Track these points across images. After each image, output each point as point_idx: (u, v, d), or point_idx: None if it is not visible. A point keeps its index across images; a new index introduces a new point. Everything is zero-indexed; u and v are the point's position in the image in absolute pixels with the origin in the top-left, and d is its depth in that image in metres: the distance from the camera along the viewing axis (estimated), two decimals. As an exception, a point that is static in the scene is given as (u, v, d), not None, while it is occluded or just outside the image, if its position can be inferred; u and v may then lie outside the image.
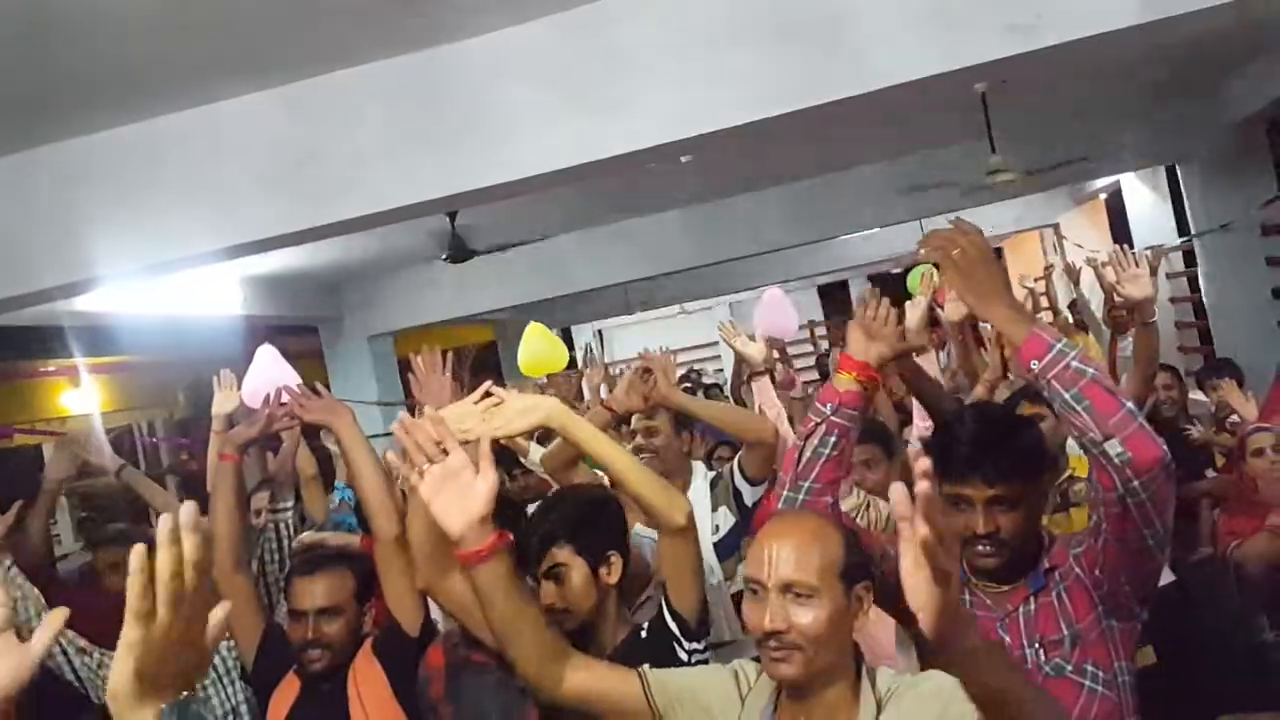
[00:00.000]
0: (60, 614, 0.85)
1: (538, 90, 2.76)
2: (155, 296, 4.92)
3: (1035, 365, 1.38)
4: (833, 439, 1.56)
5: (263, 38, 2.55)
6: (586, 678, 1.39)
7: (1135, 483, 1.34)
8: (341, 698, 1.89)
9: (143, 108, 2.86)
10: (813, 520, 1.37)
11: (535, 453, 3.23)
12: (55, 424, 6.91)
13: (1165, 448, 1.35)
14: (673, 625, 1.68)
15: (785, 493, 1.57)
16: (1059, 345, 1.37)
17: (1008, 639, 1.51)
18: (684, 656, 1.68)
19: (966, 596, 1.56)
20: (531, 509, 2.17)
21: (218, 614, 0.81)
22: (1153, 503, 1.36)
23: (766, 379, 3.13)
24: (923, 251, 1.50)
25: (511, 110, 2.77)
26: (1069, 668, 1.48)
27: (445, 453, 1.36)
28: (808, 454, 1.56)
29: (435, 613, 2.08)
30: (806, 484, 1.55)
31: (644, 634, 1.72)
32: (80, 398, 7.05)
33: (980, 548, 1.53)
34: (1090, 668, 1.47)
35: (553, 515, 1.81)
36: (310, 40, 2.64)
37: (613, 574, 1.75)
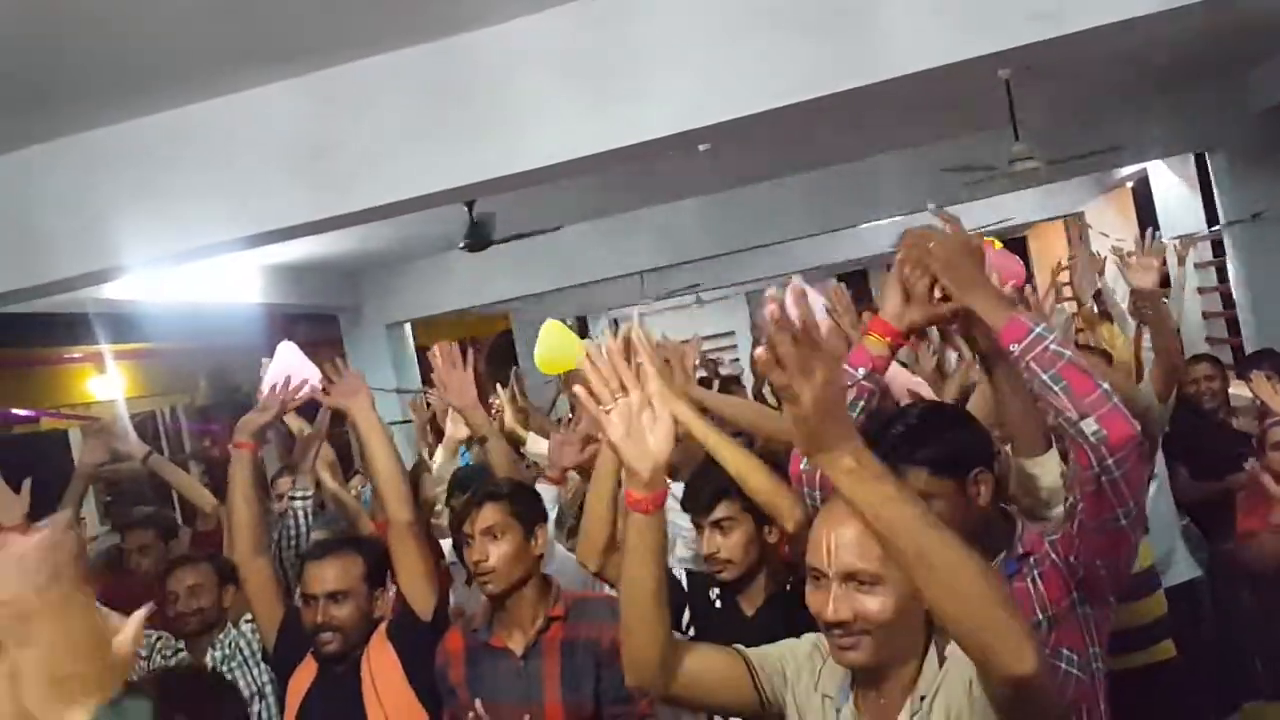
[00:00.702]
0: (144, 611, 0.81)
1: (556, 79, 2.75)
2: (177, 285, 4.97)
3: (1015, 348, 1.42)
4: (862, 402, 1.56)
5: (283, 27, 2.56)
6: (695, 672, 1.35)
7: (1110, 460, 1.38)
8: (355, 681, 1.92)
9: (164, 98, 2.88)
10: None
11: (534, 443, 3.20)
12: (81, 409, 7.00)
13: (1138, 427, 1.39)
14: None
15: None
16: (1038, 329, 1.41)
17: None
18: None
19: None
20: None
21: (137, 616, 0.78)
22: (1126, 480, 1.41)
23: None
24: (901, 250, 1.54)
25: (530, 99, 2.77)
26: (1045, 652, 1.49)
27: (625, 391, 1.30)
28: None
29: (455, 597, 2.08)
30: None
31: (789, 588, 1.79)
32: (105, 384, 7.14)
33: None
34: (1066, 651, 1.49)
35: (722, 470, 1.84)
36: (330, 30, 2.64)
37: (773, 534, 1.83)
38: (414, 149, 2.85)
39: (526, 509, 1.92)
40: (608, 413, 1.27)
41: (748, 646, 1.39)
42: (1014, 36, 2.47)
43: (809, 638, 1.40)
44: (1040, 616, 1.50)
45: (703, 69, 2.67)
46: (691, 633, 1.91)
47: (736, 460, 1.78)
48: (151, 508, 4.24)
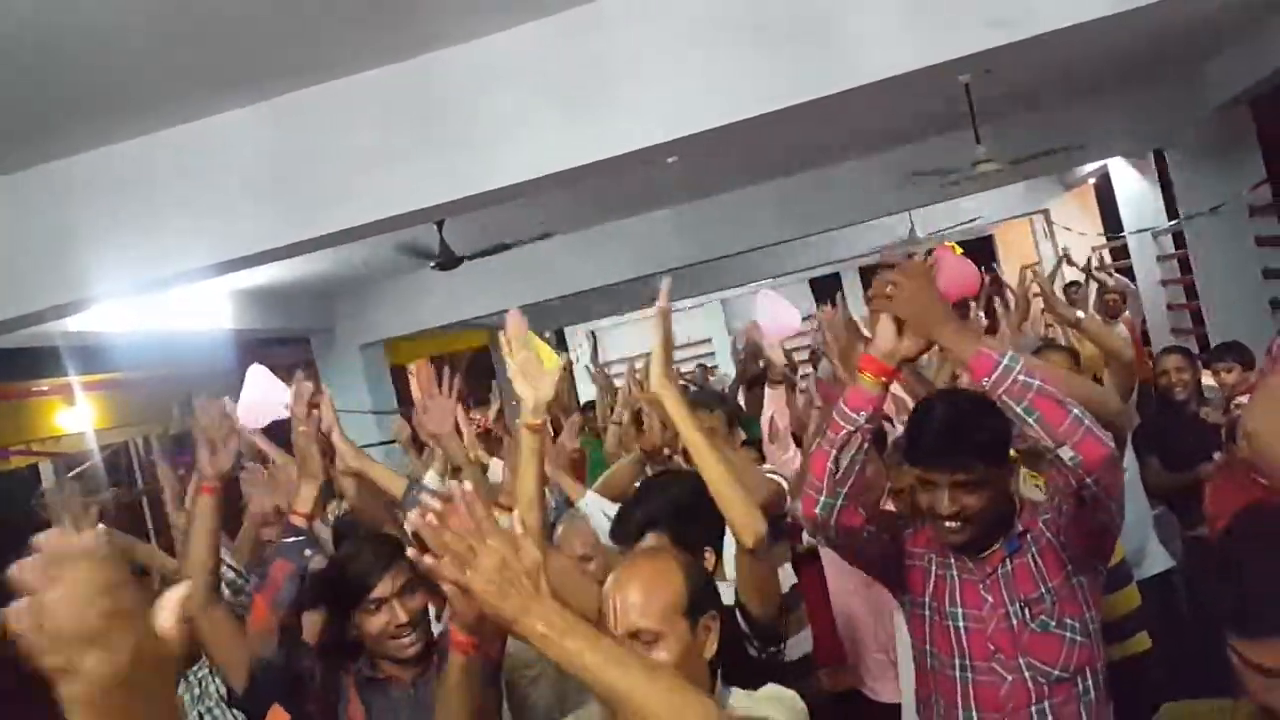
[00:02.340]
0: (182, 590, 0.73)
1: (525, 96, 2.76)
2: (146, 313, 4.91)
3: (986, 382, 1.47)
4: (865, 445, 1.60)
5: (250, 51, 2.55)
6: None
7: (1088, 479, 1.45)
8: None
9: (132, 125, 2.86)
10: (654, 560, 1.39)
11: (495, 471, 3.12)
12: (50, 443, 6.88)
13: (1111, 443, 1.45)
14: (744, 625, 1.68)
15: (823, 499, 1.61)
16: (1005, 361, 1.46)
17: (990, 599, 1.64)
18: (754, 653, 1.68)
19: (951, 560, 1.69)
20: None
21: (171, 597, 0.70)
22: (1105, 491, 1.49)
23: (783, 388, 3.08)
24: (870, 302, 1.58)
25: (499, 117, 2.78)
26: (1053, 623, 1.62)
27: None
28: (844, 463, 1.59)
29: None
30: (844, 490, 1.60)
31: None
32: (74, 416, 7.03)
33: (947, 525, 1.62)
34: (1069, 620, 1.62)
35: (656, 499, 1.81)
36: (298, 52, 2.64)
37: (709, 559, 1.76)
38: (384, 170, 2.84)
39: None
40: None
41: None
42: (973, 43, 2.52)
43: (788, 696, 1.43)
44: (1043, 589, 1.63)
45: (671, 82, 2.69)
46: None
47: (712, 463, 1.64)
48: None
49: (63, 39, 2.22)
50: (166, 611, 0.70)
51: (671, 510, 1.77)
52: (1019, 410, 1.44)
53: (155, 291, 3.56)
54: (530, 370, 1.63)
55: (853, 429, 1.58)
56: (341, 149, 2.86)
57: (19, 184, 2.98)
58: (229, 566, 2.47)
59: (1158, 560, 2.95)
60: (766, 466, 2.71)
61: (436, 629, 1.87)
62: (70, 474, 6.33)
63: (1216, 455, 3.61)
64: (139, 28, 2.26)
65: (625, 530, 1.81)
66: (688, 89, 2.68)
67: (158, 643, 0.68)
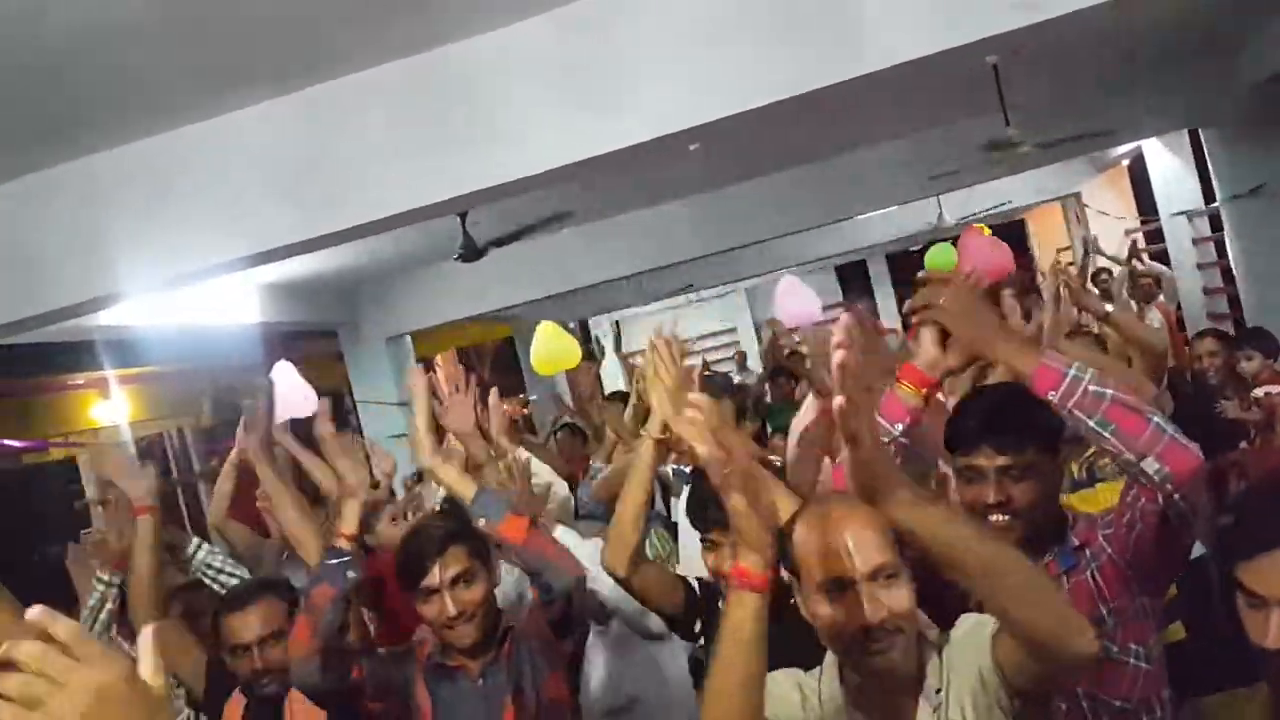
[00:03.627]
0: (149, 636, 0.77)
1: (544, 87, 2.75)
2: (177, 307, 4.98)
3: (1052, 396, 1.35)
4: (898, 460, 1.48)
5: (268, 47, 2.57)
6: None
7: (1176, 495, 1.33)
8: (280, 709, 1.94)
9: (154, 122, 2.89)
10: (856, 503, 1.30)
11: (539, 470, 3.10)
12: (87, 435, 7.02)
13: (1200, 453, 1.34)
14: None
15: None
16: (1072, 372, 1.34)
17: None
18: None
19: None
20: None
21: (146, 643, 0.74)
22: (1192, 509, 1.37)
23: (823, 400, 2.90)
24: (915, 314, 1.48)
25: (516, 108, 2.77)
26: (1115, 649, 1.47)
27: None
28: None
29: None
30: None
31: (696, 588, 1.82)
32: (109, 409, 7.17)
33: (994, 519, 1.48)
34: (1134, 645, 1.48)
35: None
36: (316, 47, 2.65)
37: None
38: (402, 163, 2.85)
39: (483, 544, 1.85)
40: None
41: None
42: (996, 24, 2.46)
43: (788, 679, 1.36)
44: (1103, 611, 1.48)
45: (689, 70, 2.67)
46: (702, 642, 1.90)
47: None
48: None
49: (87, 38, 2.25)
50: (145, 660, 0.73)
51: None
52: (1092, 425, 1.32)
53: (182, 286, 3.61)
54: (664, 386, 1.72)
55: (886, 441, 1.46)
56: (362, 142, 2.87)
57: (48, 180, 3.03)
58: (235, 575, 2.50)
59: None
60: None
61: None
62: (95, 472, 6.45)
63: (1242, 445, 3.54)
64: (161, 25, 2.28)
65: (705, 514, 1.83)
66: (704, 77, 2.66)
67: (145, 691, 0.70)
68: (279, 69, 2.73)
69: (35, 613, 0.68)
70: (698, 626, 1.91)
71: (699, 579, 2.01)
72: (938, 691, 1.24)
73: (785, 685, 1.34)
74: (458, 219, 4.71)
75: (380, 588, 2.27)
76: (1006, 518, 1.48)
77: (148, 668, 0.72)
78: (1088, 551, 1.51)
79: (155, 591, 2.16)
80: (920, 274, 1.53)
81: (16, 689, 0.66)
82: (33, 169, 3.01)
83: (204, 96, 2.79)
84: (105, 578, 2.40)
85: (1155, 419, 1.33)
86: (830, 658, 1.34)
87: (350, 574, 1.73)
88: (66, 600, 2.67)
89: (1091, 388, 1.32)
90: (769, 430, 4.24)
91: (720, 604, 1.89)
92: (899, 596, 1.21)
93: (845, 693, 1.30)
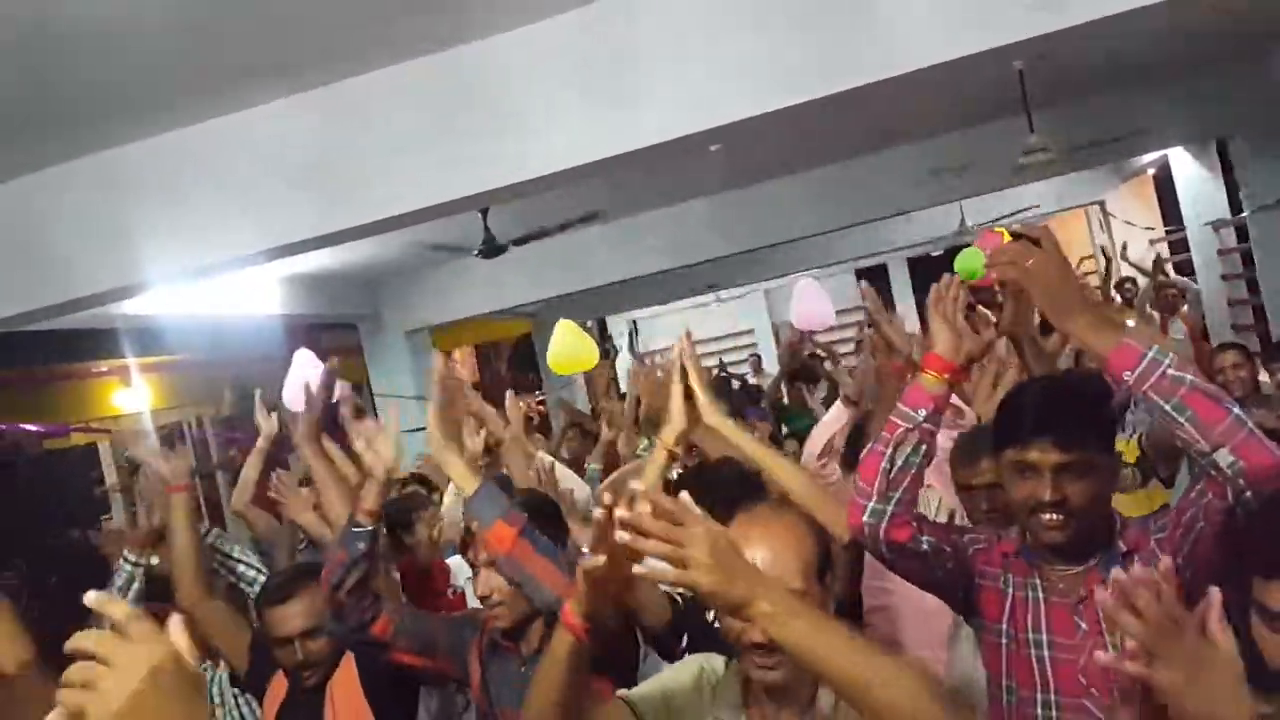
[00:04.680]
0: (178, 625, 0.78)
1: (564, 85, 2.76)
2: (200, 298, 5.04)
3: (1128, 376, 1.30)
4: (924, 446, 1.49)
5: (293, 43, 2.59)
6: None
7: (1248, 493, 1.27)
8: (321, 700, 1.95)
9: (179, 116, 2.93)
10: (783, 517, 1.32)
11: (564, 475, 3.13)
12: (109, 422, 7.10)
13: (1278, 453, 1.27)
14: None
15: (871, 504, 1.49)
16: (1151, 353, 1.29)
17: (1084, 627, 1.41)
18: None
19: (1036, 580, 1.48)
20: None
21: (176, 631, 0.75)
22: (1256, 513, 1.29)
23: (851, 409, 2.73)
24: (994, 271, 1.42)
25: (537, 106, 2.78)
26: None
27: None
28: (899, 463, 1.47)
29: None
30: (896, 495, 1.48)
31: (681, 603, 1.76)
32: (131, 396, 7.24)
33: (1047, 518, 1.41)
34: None
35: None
36: (340, 44, 2.67)
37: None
38: (422, 160, 2.87)
39: (547, 527, 1.82)
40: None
41: None
42: (1018, 30, 2.45)
43: (693, 663, 1.38)
44: None
45: (712, 69, 2.67)
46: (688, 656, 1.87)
47: (788, 474, 1.76)
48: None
49: (112, 32, 2.28)
50: (176, 637, 0.75)
51: None
52: (1168, 409, 1.27)
53: (204, 277, 3.65)
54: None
55: (909, 426, 1.46)
56: (382, 138, 2.89)
57: (74, 172, 3.08)
58: (242, 561, 2.52)
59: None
60: None
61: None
62: (127, 453, 6.53)
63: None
64: (182, 20, 2.31)
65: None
66: (727, 76, 2.66)
67: (190, 671, 0.73)
68: (301, 65, 2.76)
69: (92, 598, 0.72)
70: (684, 642, 1.88)
71: (682, 595, 1.99)
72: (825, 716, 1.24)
73: (693, 665, 1.37)
74: (479, 215, 4.73)
75: (403, 581, 2.28)
76: (1060, 517, 1.41)
77: (178, 640, 0.75)
78: (1137, 558, 1.42)
79: (198, 569, 2.16)
80: (1012, 227, 1.47)
81: (75, 674, 0.70)
82: (55, 161, 3.06)
83: (226, 92, 2.82)
84: (132, 558, 2.43)
85: (1235, 410, 1.27)
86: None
87: (360, 544, 1.77)
88: (88, 582, 2.71)
89: (1171, 371, 1.27)
90: (783, 432, 4.23)
91: (705, 615, 1.85)
92: None
93: (741, 692, 1.31)
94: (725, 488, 1.80)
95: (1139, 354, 1.29)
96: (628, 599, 1.16)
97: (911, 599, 1.96)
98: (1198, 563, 1.37)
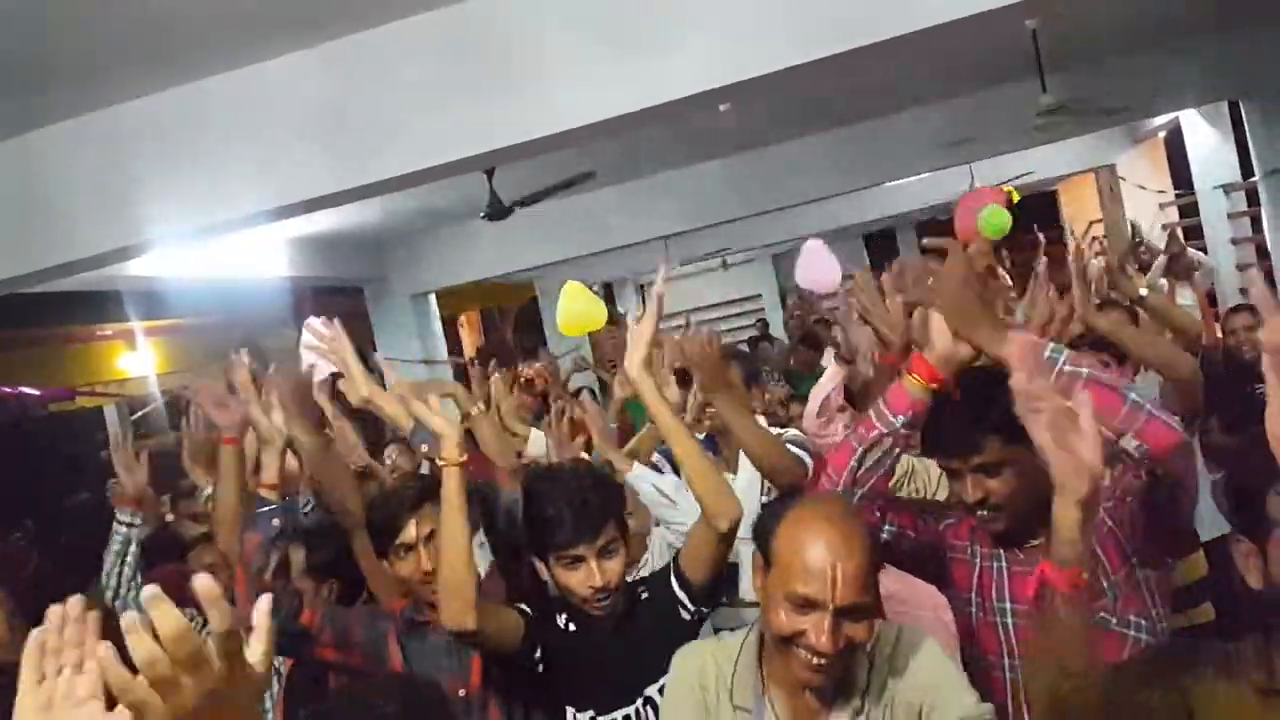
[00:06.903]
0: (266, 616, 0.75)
1: (577, 41, 2.71)
2: (205, 260, 5.01)
3: None
4: (896, 450, 1.54)
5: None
6: None
7: (1159, 470, 1.36)
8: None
9: (184, 71, 2.88)
10: (861, 528, 1.34)
11: (534, 444, 3.12)
12: (114, 385, 7.12)
13: (1181, 429, 1.35)
14: (680, 593, 1.71)
15: (839, 490, 1.55)
16: (1046, 353, 1.35)
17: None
18: (687, 617, 1.71)
19: (1000, 551, 1.58)
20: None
21: (262, 630, 0.73)
22: (1179, 482, 1.40)
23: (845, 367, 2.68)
24: (900, 294, 1.53)
25: (550, 63, 2.73)
26: (1114, 620, 1.50)
27: None
28: (869, 463, 1.53)
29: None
30: (862, 491, 1.55)
31: (644, 597, 1.75)
32: (137, 360, 7.25)
33: (980, 514, 1.54)
34: (1133, 618, 1.50)
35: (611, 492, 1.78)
36: (346, -4, 2.62)
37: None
38: (435, 116, 2.83)
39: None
40: None
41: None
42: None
43: (698, 659, 1.41)
44: (1104, 584, 1.49)
45: (726, 25, 2.62)
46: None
47: (687, 450, 1.69)
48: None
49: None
50: (257, 639, 0.73)
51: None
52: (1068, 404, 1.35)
53: (209, 237, 3.62)
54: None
55: (885, 432, 1.51)
56: (392, 95, 2.85)
57: (75, 129, 3.03)
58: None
59: (1214, 524, 2.87)
60: (791, 433, 2.65)
61: None
62: (134, 416, 6.54)
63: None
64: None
65: (590, 526, 1.71)
66: (742, 33, 2.61)
67: (245, 678, 0.71)
68: (310, 19, 2.70)
69: (149, 593, 0.68)
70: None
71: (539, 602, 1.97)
72: (864, 702, 1.31)
73: (702, 659, 1.40)
74: (484, 177, 4.68)
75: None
76: (988, 512, 1.53)
77: (256, 650, 0.72)
78: None
79: (236, 522, 2.15)
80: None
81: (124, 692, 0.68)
82: (57, 118, 3.01)
83: (233, 45, 2.77)
84: (126, 519, 2.42)
85: (1131, 396, 1.34)
86: (754, 636, 1.39)
87: (275, 522, 1.78)
88: (92, 545, 2.72)
89: (1066, 368, 1.33)
90: (793, 396, 4.23)
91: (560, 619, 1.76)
92: (860, 630, 1.26)
93: (763, 675, 1.35)
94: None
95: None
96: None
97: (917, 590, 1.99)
98: (1137, 531, 1.49)
